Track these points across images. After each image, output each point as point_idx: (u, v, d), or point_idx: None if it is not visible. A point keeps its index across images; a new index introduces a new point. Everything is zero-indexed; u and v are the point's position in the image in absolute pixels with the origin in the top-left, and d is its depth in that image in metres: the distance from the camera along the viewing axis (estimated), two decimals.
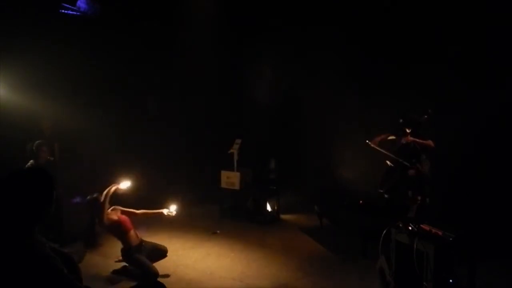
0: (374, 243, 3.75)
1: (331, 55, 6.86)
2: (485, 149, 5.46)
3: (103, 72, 7.13)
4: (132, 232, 4.35)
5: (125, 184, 4.35)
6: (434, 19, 5.90)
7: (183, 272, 4.38)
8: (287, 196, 7.09)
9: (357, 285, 4.07)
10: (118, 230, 4.28)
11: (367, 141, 5.12)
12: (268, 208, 6.56)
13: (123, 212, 4.44)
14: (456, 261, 3.30)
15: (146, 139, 7.86)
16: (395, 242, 3.51)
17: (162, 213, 4.66)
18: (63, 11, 6.76)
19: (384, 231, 3.54)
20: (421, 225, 3.41)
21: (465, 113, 5.49)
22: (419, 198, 4.93)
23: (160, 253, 4.67)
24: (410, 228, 3.39)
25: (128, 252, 4.25)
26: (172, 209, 4.67)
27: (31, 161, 5.27)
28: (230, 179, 6.56)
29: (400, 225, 3.49)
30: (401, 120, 5.10)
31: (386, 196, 5.07)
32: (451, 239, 3.18)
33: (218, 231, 5.80)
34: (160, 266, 4.41)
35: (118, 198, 4.52)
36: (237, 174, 6.50)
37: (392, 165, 5.09)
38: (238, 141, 6.67)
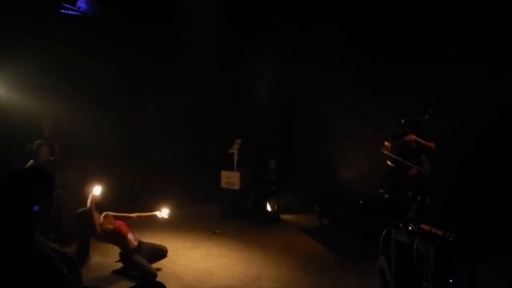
0: (374, 243, 3.75)
1: (331, 55, 6.86)
2: (485, 149, 5.46)
3: (103, 72, 7.13)
4: (129, 236, 4.33)
5: (97, 190, 4.12)
6: (434, 19, 5.90)
7: (183, 272, 4.38)
8: (287, 196, 7.09)
9: (357, 285, 4.07)
10: (115, 237, 4.22)
11: (383, 151, 5.10)
12: (268, 208, 6.56)
13: (116, 218, 4.35)
14: (456, 261, 3.30)
15: (146, 139, 7.87)
16: (395, 242, 3.51)
17: (155, 215, 4.63)
18: (63, 11, 6.76)
19: (384, 231, 3.54)
20: (421, 225, 3.41)
21: (465, 113, 5.49)
22: (419, 198, 4.93)
23: (160, 253, 4.66)
24: (410, 228, 3.39)
25: (127, 255, 4.23)
26: (164, 213, 4.64)
27: (31, 161, 5.27)
28: (230, 179, 6.56)
29: (400, 225, 3.49)
30: (402, 120, 5.10)
31: (386, 196, 5.07)
32: (451, 239, 3.18)
33: (218, 231, 5.80)
34: (160, 266, 4.41)
35: (118, 200, 4.51)
36: (237, 174, 6.50)
37: (392, 165, 5.09)
38: (238, 141, 6.67)
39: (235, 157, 6.56)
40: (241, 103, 8.42)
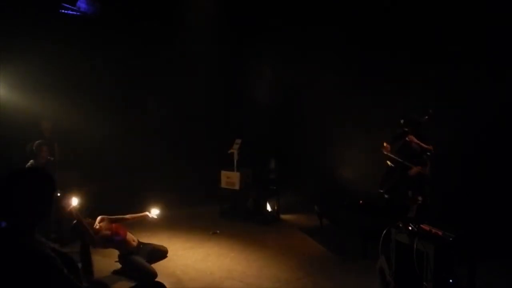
0: (374, 243, 3.75)
1: (331, 55, 6.87)
2: (485, 149, 5.46)
3: (103, 72, 7.13)
4: (128, 237, 4.33)
5: (74, 201, 3.77)
6: (434, 19, 5.90)
7: (183, 272, 4.37)
8: (287, 196, 7.08)
9: (357, 285, 4.07)
10: (114, 241, 4.18)
11: (384, 152, 5.10)
12: (268, 208, 6.57)
13: (112, 221, 4.29)
14: (456, 261, 3.30)
15: (145, 139, 7.87)
16: (395, 242, 3.51)
17: (146, 215, 4.59)
18: (63, 11, 6.76)
19: (384, 231, 3.53)
20: (421, 225, 3.41)
21: (465, 113, 5.48)
22: (419, 198, 4.93)
23: (160, 253, 4.67)
24: (410, 228, 3.39)
25: (126, 256, 4.23)
26: (153, 213, 4.61)
27: (31, 161, 5.27)
28: (230, 179, 6.56)
29: (400, 225, 3.49)
30: (402, 121, 5.10)
31: (386, 196, 5.06)
32: (451, 239, 3.18)
33: (218, 231, 5.80)
34: (160, 266, 4.41)
35: (118, 200, 4.50)
36: (237, 174, 6.50)
37: (392, 165, 5.09)
38: (238, 141, 6.67)
39: (235, 157, 6.56)
40: (241, 103, 8.42)
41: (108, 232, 4.13)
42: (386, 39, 6.40)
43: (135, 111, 8.00)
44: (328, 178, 7.29)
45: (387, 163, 5.14)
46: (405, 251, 3.36)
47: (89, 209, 4.62)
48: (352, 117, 6.76)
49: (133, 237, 4.44)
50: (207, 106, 8.35)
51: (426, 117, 4.96)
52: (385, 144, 5.11)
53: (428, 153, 5.04)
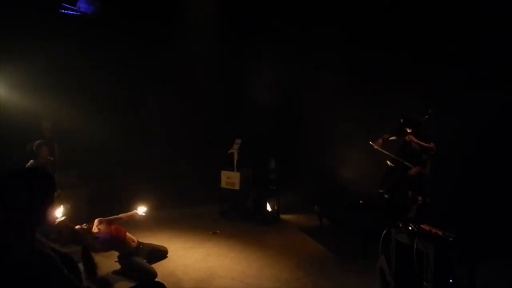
0: (374, 243, 3.75)
1: (331, 55, 6.87)
2: (485, 149, 5.46)
3: (102, 72, 7.14)
4: (128, 238, 4.32)
5: (58, 213, 3.64)
6: (434, 19, 5.90)
7: (183, 272, 4.37)
8: (287, 196, 7.08)
9: (357, 285, 4.07)
10: (115, 244, 4.17)
11: (370, 142, 5.11)
12: (268, 208, 6.56)
13: (110, 222, 4.23)
14: (456, 261, 3.30)
15: (145, 139, 7.87)
16: (395, 242, 3.51)
17: (136, 213, 4.55)
18: (63, 11, 6.76)
19: (384, 231, 3.53)
20: (421, 225, 3.41)
21: (465, 113, 5.48)
22: (419, 198, 4.93)
23: (160, 254, 4.67)
24: (410, 228, 3.39)
25: (126, 257, 4.22)
26: (141, 211, 4.58)
27: (31, 161, 5.28)
28: (230, 179, 6.56)
29: (400, 225, 3.49)
30: (401, 120, 5.10)
31: (386, 196, 5.06)
32: (451, 239, 3.18)
33: (218, 231, 5.80)
34: (160, 266, 4.41)
35: (118, 200, 4.49)
36: (237, 174, 6.50)
37: (392, 165, 5.09)
38: (238, 141, 6.67)
39: (235, 157, 6.56)
40: (241, 103, 8.42)
41: (107, 236, 4.10)
42: (386, 39, 6.40)
43: (135, 111, 8.00)
44: (328, 178, 7.29)
45: (387, 163, 5.14)
46: (405, 251, 3.36)
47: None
48: (352, 117, 6.76)
49: (132, 238, 4.44)
50: (207, 106, 8.35)
51: (426, 117, 4.95)
52: (380, 140, 5.12)
53: (431, 152, 5.03)
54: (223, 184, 6.65)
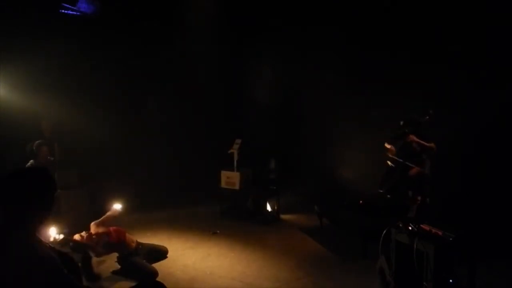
0: (374, 243, 3.75)
1: (331, 55, 6.87)
2: (485, 149, 5.46)
3: (102, 72, 7.14)
4: (128, 238, 4.33)
5: (53, 232, 3.50)
6: (434, 19, 5.90)
7: (183, 272, 4.37)
8: (287, 196, 7.08)
9: (357, 285, 4.07)
10: (116, 245, 4.16)
11: (389, 155, 5.10)
12: (268, 208, 6.57)
13: (103, 223, 4.22)
14: (456, 261, 3.30)
15: (145, 139, 7.87)
16: (395, 242, 3.50)
17: (116, 210, 4.48)
18: (63, 11, 6.76)
19: (384, 231, 3.53)
20: (421, 225, 3.41)
21: (465, 113, 5.48)
22: (419, 198, 4.92)
23: (160, 253, 4.66)
24: (410, 228, 3.39)
25: (125, 257, 4.22)
26: (117, 208, 4.51)
27: (31, 161, 5.28)
28: (230, 179, 6.56)
29: (400, 225, 3.49)
30: (401, 122, 5.09)
31: (389, 196, 5.05)
32: (451, 239, 3.18)
33: (218, 231, 5.80)
34: (160, 266, 4.41)
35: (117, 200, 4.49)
36: (237, 174, 6.50)
37: (392, 165, 5.09)
38: (238, 141, 6.67)
39: (235, 157, 6.56)
40: (241, 103, 8.42)
41: (107, 239, 4.09)
42: (386, 39, 6.40)
43: (135, 111, 8.00)
44: (328, 178, 7.29)
45: (387, 163, 5.14)
46: (405, 251, 3.35)
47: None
48: (352, 117, 6.76)
49: (132, 238, 4.44)
50: (207, 106, 8.35)
51: (427, 117, 4.95)
52: (389, 146, 5.11)
53: (432, 152, 5.02)
54: (223, 184, 6.65)
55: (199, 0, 8.00)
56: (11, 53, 5.98)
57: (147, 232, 5.61)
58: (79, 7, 6.86)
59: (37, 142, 5.37)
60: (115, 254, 4.32)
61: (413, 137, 4.99)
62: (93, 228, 4.14)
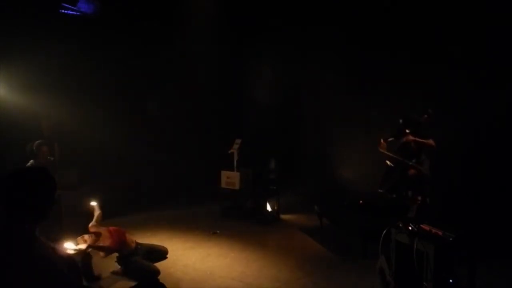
0: (374, 243, 3.75)
1: (331, 55, 6.87)
2: (485, 149, 5.46)
3: (103, 72, 7.14)
4: (127, 237, 4.32)
5: (69, 245, 3.66)
6: (434, 19, 5.90)
7: (183, 272, 4.37)
8: (287, 196, 7.09)
9: (357, 285, 4.07)
10: (118, 246, 4.16)
11: (380, 149, 5.11)
12: (268, 208, 6.56)
13: (98, 222, 4.21)
14: (456, 261, 3.30)
15: (145, 139, 7.87)
16: (395, 242, 3.50)
17: (96, 206, 4.45)
18: (63, 11, 6.76)
19: (384, 231, 3.53)
20: (421, 225, 3.41)
21: (465, 113, 5.48)
22: (419, 198, 4.92)
23: (160, 254, 4.66)
24: (410, 228, 3.39)
25: (125, 257, 4.21)
26: (93, 204, 4.48)
27: (31, 161, 5.27)
28: (230, 179, 6.56)
29: (400, 225, 3.49)
30: (400, 121, 5.10)
31: (394, 196, 5.05)
32: (451, 239, 3.18)
33: (218, 231, 5.79)
34: (160, 266, 4.40)
35: (118, 200, 4.47)
36: (237, 174, 6.50)
37: (392, 165, 5.09)
38: (238, 141, 6.67)
39: (235, 157, 6.56)
40: (241, 103, 8.42)
41: (109, 240, 4.09)
42: (386, 39, 6.40)
43: (135, 111, 8.00)
44: (328, 178, 7.29)
45: (387, 163, 5.14)
46: (405, 251, 3.35)
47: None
48: (352, 117, 6.77)
49: (132, 238, 4.44)
50: (207, 106, 8.35)
51: (426, 116, 4.95)
52: (382, 141, 5.12)
53: (432, 149, 5.00)
54: (223, 184, 6.65)
55: (199, 0, 8.00)
56: (11, 53, 5.98)
57: (147, 232, 5.61)
58: (79, 7, 6.85)
59: (37, 142, 5.37)
60: (115, 254, 4.32)
61: (411, 137, 5.00)
62: (92, 229, 4.13)
